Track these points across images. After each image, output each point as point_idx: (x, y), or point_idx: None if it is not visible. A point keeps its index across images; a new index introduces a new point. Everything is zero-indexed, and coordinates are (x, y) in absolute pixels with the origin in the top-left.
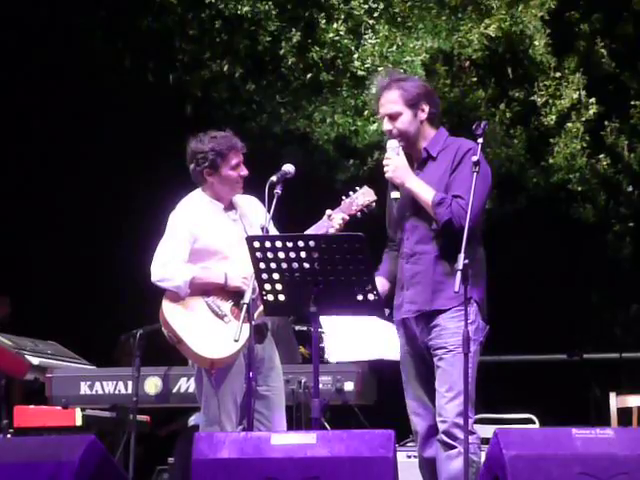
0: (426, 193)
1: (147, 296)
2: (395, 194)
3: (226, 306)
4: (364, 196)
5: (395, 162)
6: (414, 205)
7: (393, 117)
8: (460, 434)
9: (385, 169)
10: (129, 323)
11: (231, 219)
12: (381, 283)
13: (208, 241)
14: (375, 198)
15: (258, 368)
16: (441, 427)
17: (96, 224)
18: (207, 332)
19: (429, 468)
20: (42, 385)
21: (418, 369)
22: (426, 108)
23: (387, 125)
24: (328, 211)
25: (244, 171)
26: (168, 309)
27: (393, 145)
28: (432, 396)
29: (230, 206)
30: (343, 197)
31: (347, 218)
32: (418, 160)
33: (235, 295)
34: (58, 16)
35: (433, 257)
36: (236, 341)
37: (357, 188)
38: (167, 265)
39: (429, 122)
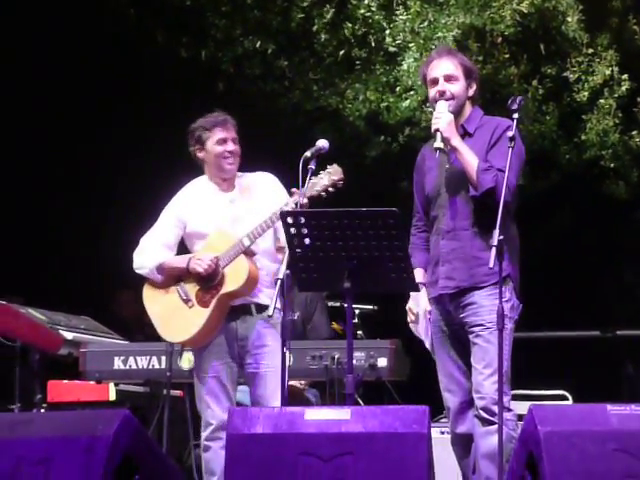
0: (472, 156)
1: None
2: (438, 144)
3: (192, 291)
4: (330, 175)
5: (448, 117)
6: (451, 180)
7: (450, 79)
8: None
9: (434, 122)
10: None
11: (228, 200)
12: (421, 275)
13: (196, 224)
14: (342, 177)
15: (243, 347)
16: (479, 403)
17: (130, 200)
18: (169, 317)
19: (462, 444)
20: (76, 360)
21: (452, 345)
22: (474, 86)
23: (443, 85)
24: (294, 189)
25: (230, 147)
26: (147, 295)
27: (444, 105)
28: (465, 372)
29: (230, 187)
30: (311, 177)
31: (304, 202)
32: None
33: (202, 279)
34: None
35: (470, 233)
36: (270, 316)
37: (328, 166)
38: (140, 253)
39: (471, 101)
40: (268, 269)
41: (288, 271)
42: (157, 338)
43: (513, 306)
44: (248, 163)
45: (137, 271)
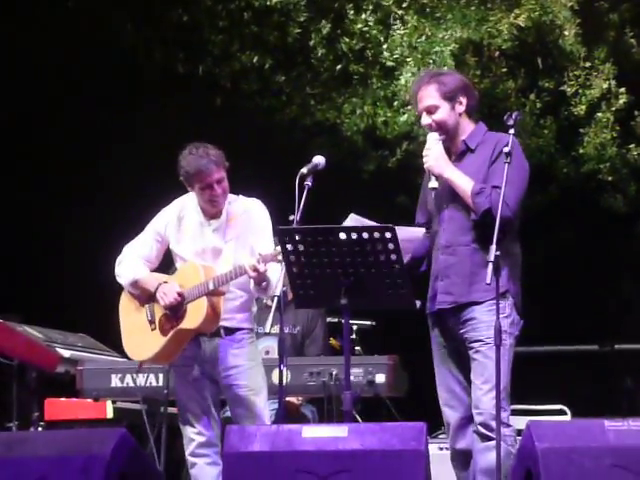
0: (465, 183)
1: None
2: (433, 184)
3: (158, 314)
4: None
5: (435, 152)
6: (451, 197)
7: (431, 110)
8: None
9: (424, 159)
10: None
11: (212, 229)
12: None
13: (176, 246)
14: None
15: (214, 367)
16: (478, 419)
17: (121, 216)
18: (132, 332)
19: (461, 460)
20: (73, 377)
21: (453, 361)
22: (464, 101)
23: (426, 119)
24: (291, 217)
25: (215, 191)
26: (123, 304)
27: (433, 137)
28: (465, 388)
29: (217, 213)
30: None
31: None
32: (456, 152)
33: (170, 305)
34: (87, 8)
35: (470, 249)
36: (267, 334)
37: None
38: (121, 263)
39: (467, 115)
40: (243, 297)
41: (284, 288)
42: None
43: (513, 322)
44: (244, 179)
45: (117, 278)
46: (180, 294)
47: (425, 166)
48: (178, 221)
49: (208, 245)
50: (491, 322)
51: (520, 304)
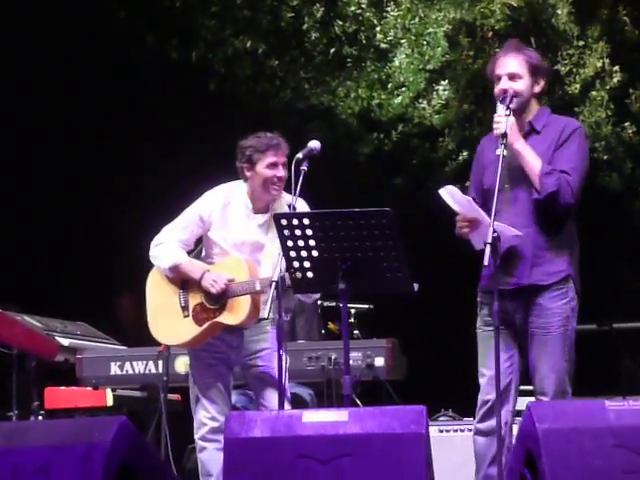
0: (535, 160)
1: None
2: (502, 151)
3: (193, 302)
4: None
5: (510, 120)
6: (515, 176)
7: (514, 77)
8: None
9: (496, 125)
10: None
11: (256, 224)
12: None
13: (217, 236)
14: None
15: (239, 354)
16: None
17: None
18: (162, 315)
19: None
20: (72, 366)
21: (505, 341)
22: (542, 83)
23: (506, 83)
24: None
25: (281, 172)
26: (152, 281)
27: (502, 108)
28: (512, 368)
29: (265, 208)
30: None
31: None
32: (521, 132)
33: (207, 295)
34: None
35: (532, 231)
36: (265, 318)
37: None
38: (160, 245)
39: (538, 97)
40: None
41: (283, 273)
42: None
43: (574, 307)
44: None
45: (152, 260)
46: (230, 281)
47: (496, 132)
48: (224, 208)
49: (250, 239)
50: (555, 308)
51: (580, 288)
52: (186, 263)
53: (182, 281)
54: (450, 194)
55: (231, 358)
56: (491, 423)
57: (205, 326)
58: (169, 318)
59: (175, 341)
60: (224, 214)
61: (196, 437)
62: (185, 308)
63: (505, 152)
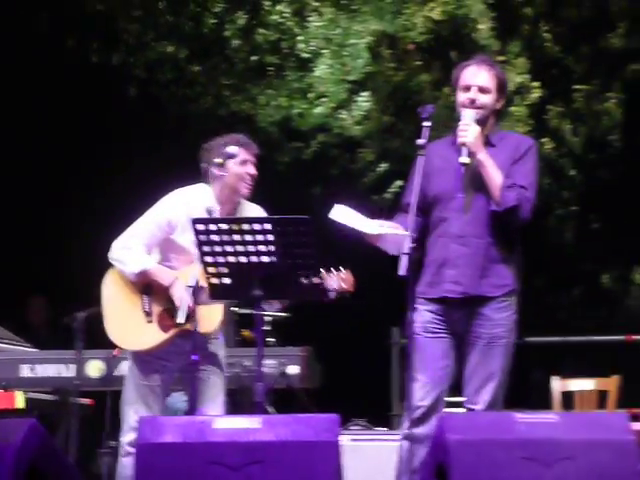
0: (496, 172)
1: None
2: (465, 159)
3: (157, 309)
4: (341, 282)
5: (475, 130)
6: (473, 185)
7: (483, 90)
8: None
9: (462, 134)
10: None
11: None
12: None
13: (183, 240)
14: (352, 290)
15: (185, 359)
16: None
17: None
18: (122, 318)
19: (422, 444)
20: None
21: (444, 349)
22: (502, 101)
23: (473, 94)
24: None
25: (252, 170)
26: (110, 282)
27: (471, 115)
28: (447, 376)
29: (231, 211)
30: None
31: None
32: None
33: (171, 302)
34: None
35: (484, 242)
36: (180, 324)
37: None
38: (127, 250)
39: (496, 114)
40: None
41: (198, 279)
42: (69, 346)
43: (515, 320)
44: (157, 169)
45: (113, 262)
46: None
47: (461, 140)
48: (187, 211)
49: None
50: (499, 319)
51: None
52: (154, 269)
53: (144, 285)
54: (343, 214)
55: (177, 364)
56: (423, 430)
57: (171, 333)
58: (130, 322)
59: (137, 346)
60: (189, 217)
61: (123, 440)
62: (149, 314)
63: (468, 160)
